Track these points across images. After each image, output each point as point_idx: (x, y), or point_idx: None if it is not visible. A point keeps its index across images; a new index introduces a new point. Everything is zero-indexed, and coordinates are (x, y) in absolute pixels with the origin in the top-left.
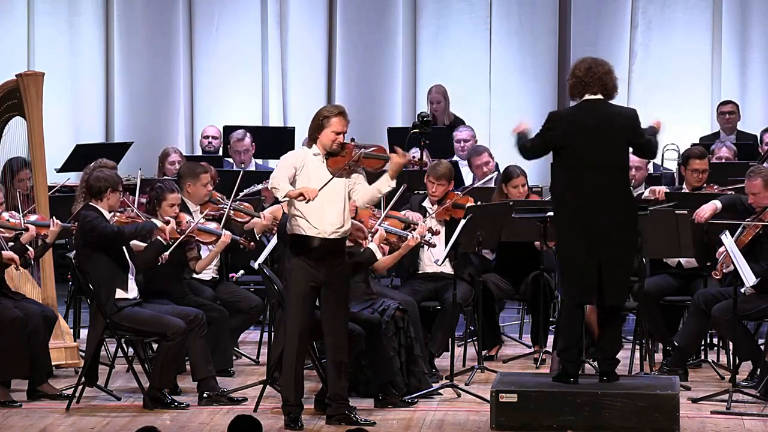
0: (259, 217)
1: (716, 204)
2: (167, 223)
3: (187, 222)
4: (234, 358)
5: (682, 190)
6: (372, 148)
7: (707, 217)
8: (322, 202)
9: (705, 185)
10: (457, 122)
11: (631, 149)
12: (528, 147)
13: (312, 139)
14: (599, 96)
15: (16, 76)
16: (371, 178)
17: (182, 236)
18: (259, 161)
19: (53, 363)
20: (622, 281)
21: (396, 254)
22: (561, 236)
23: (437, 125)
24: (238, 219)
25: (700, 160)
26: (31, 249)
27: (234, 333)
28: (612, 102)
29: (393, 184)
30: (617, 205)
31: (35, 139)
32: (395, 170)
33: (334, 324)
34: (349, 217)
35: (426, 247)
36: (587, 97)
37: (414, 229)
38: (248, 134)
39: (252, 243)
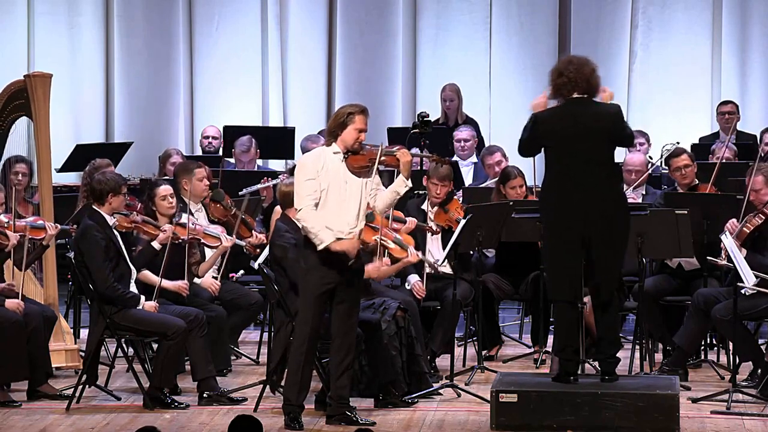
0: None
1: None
2: (164, 231)
3: (193, 224)
4: (234, 358)
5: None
6: (392, 147)
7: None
8: (340, 201)
9: (697, 182)
10: (470, 122)
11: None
12: (523, 141)
13: (333, 136)
14: (584, 95)
15: (24, 76)
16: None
17: (186, 239)
18: (260, 162)
19: (54, 365)
20: (611, 278)
21: (395, 267)
22: (548, 234)
23: (449, 124)
24: (239, 230)
25: (679, 157)
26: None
27: (235, 330)
28: (595, 100)
29: (409, 183)
30: (604, 202)
31: (41, 140)
32: (407, 169)
33: (345, 325)
34: (363, 216)
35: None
36: (574, 95)
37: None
38: (254, 141)
39: (258, 250)
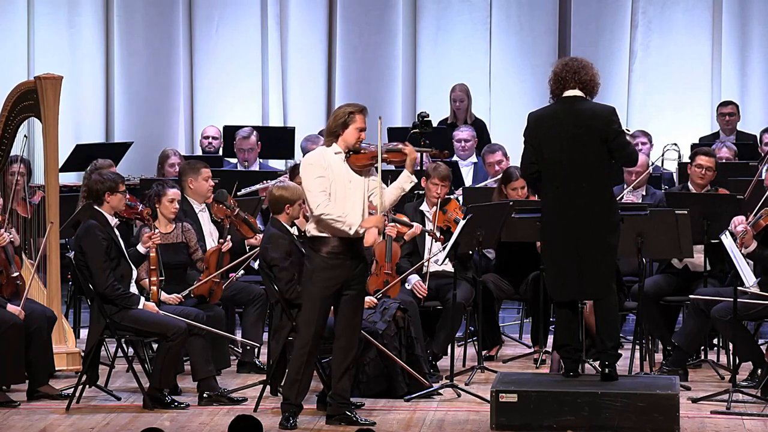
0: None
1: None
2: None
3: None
4: (233, 358)
5: (683, 190)
6: (391, 144)
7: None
8: (345, 201)
9: (710, 187)
10: (478, 123)
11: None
12: (523, 164)
13: (334, 136)
14: (577, 92)
15: (34, 78)
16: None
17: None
18: (260, 160)
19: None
20: (598, 279)
21: (389, 285)
22: (542, 235)
23: (458, 124)
24: (241, 230)
25: (707, 157)
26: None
27: (256, 326)
28: (592, 100)
29: (414, 178)
30: (594, 204)
31: (50, 142)
32: (412, 164)
33: (349, 326)
34: (367, 215)
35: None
36: (566, 93)
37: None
38: (255, 132)
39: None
